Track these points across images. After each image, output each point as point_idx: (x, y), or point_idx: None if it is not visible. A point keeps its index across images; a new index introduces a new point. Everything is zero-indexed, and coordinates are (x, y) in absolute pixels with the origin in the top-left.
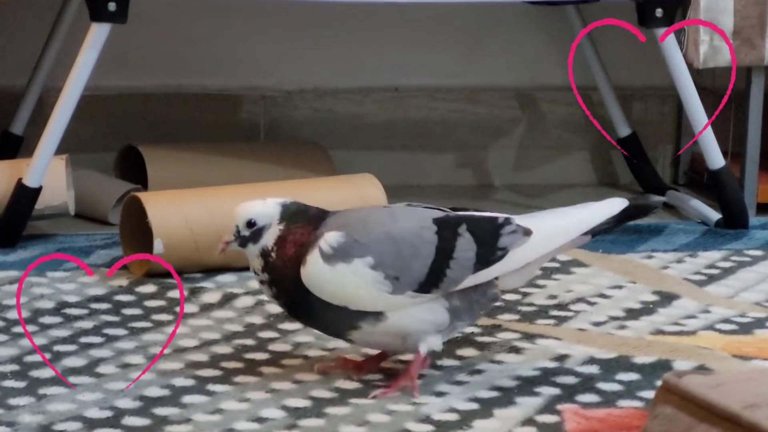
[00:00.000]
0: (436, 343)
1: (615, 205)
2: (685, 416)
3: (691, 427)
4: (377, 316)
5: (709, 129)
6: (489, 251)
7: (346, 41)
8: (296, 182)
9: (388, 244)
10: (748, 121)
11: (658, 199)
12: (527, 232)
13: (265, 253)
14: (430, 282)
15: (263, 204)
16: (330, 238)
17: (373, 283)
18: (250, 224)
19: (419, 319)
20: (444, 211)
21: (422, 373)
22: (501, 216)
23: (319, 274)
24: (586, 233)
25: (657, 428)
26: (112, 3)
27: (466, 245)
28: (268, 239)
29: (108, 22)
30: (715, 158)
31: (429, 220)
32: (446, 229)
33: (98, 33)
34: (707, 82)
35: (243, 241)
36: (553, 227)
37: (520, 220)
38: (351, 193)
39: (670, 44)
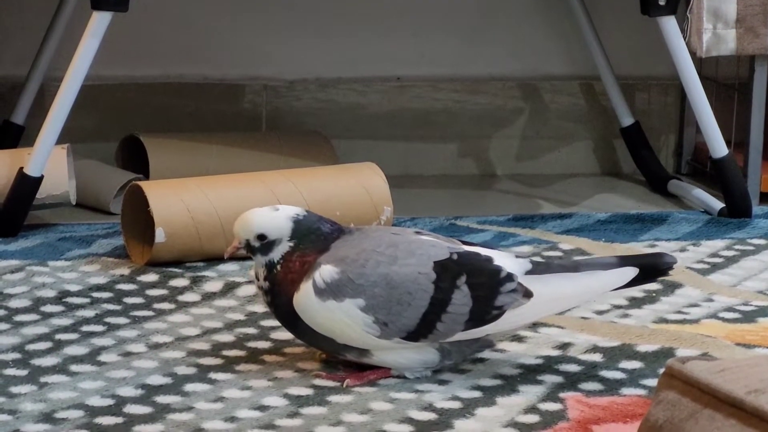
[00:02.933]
0: (419, 371)
1: (626, 274)
2: (689, 401)
3: (695, 412)
4: (363, 351)
5: (712, 117)
6: (484, 310)
7: (347, 30)
8: (299, 171)
9: (383, 288)
10: (751, 109)
11: (669, 259)
12: (527, 294)
13: (270, 265)
14: (419, 332)
15: (275, 217)
16: (325, 272)
17: (362, 325)
18: (261, 237)
19: (406, 357)
20: (452, 245)
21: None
22: (505, 270)
23: (310, 305)
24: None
25: (660, 414)
26: None
27: (461, 299)
28: (276, 254)
29: (109, 10)
30: (719, 147)
31: (430, 264)
32: (445, 279)
33: (99, 21)
34: (710, 71)
35: (252, 251)
36: (557, 293)
37: (525, 278)
38: (353, 182)
39: (672, 33)
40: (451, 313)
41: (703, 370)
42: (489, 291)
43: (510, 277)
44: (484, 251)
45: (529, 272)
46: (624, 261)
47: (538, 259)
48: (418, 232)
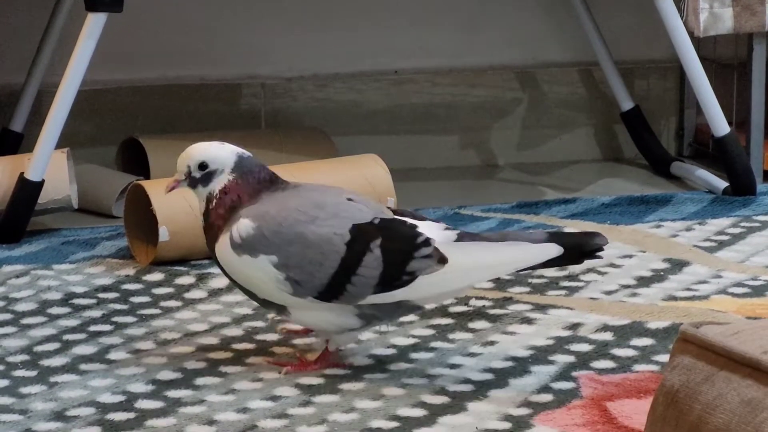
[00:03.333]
0: (345, 341)
1: (548, 251)
2: (704, 365)
3: (711, 374)
4: (282, 308)
5: (713, 96)
6: (395, 274)
7: (343, 26)
8: (300, 164)
9: (297, 246)
10: (751, 88)
11: (600, 240)
12: (442, 260)
13: (209, 199)
14: (330, 293)
15: (220, 148)
16: (242, 227)
17: (275, 282)
18: (202, 166)
19: (323, 319)
20: (383, 213)
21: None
22: (423, 235)
23: (227, 258)
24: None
25: (676, 378)
26: None
27: (372, 263)
28: (216, 185)
29: (104, 11)
30: (721, 125)
31: (348, 226)
32: (359, 242)
33: (95, 23)
34: (708, 52)
35: (193, 182)
36: (474, 262)
37: (445, 245)
38: (355, 173)
39: (670, 13)
40: (361, 276)
41: (717, 333)
42: (402, 256)
43: (426, 242)
44: (412, 220)
45: (456, 242)
46: (552, 238)
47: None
48: (350, 199)
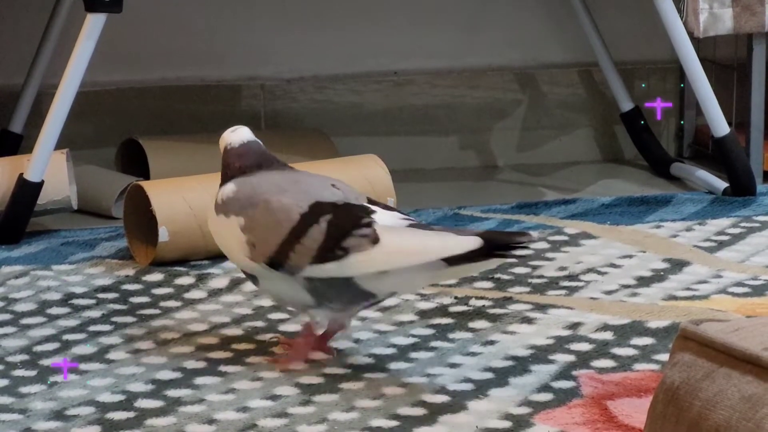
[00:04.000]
0: (318, 319)
1: (468, 243)
2: (705, 361)
3: (711, 371)
4: (254, 278)
5: (713, 96)
6: (330, 248)
7: (342, 27)
8: (300, 165)
9: (260, 211)
10: (750, 88)
11: (523, 238)
12: (375, 241)
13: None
14: (277, 260)
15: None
16: (226, 190)
17: (237, 242)
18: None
19: (282, 291)
20: (356, 200)
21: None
22: (369, 218)
23: (210, 219)
24: (442, 261)
25: (676, 375)
26: None
27: (315, 235)
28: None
29: (103, 12)
30: (720, 126)
31: (311, 200)
32: (312, 215)
33: (94, 23)
34: (708, 53)
35: None
36: (400, 246)
37: (384, 229)
38: (355, 174)
39: (669, 14)
40: (303, 245)
41: (717, 330)
42: (341, 231)
43: (368, 224)
44: (377, 207)
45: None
46: (476, 233)
47: None
48: (333, 185)
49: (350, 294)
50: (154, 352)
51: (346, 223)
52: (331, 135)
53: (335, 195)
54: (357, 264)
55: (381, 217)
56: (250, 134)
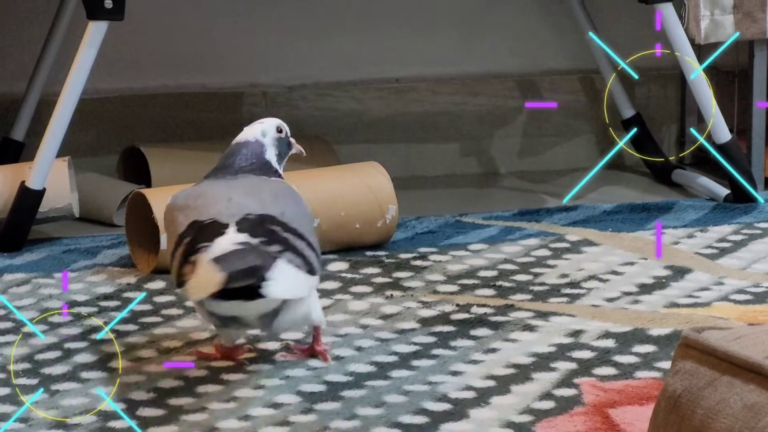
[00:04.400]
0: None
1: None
2: (707, 370)
3: (714, 379)
4: None
5: (715, 103)
6: (179, 272)
7: (344, 34)
8: (302, 172)
9: (183, 215)
10: (752, 94)
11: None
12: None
13: None
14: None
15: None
16: (182, 190)
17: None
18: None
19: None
20: (237, 216)
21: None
22: (204, 243)
23: None
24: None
25: (678, 383)
26: (108, 0)
27: (177, 257)
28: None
29: (105, 19)
30: (722, 132)
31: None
32: (187, 233)
33: (96, 31)
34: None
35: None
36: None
37: (205, 255)
38: (356, 181)
39: (670, 20)
40: (173, 267)
41: (719, 338)
42: (185, 256)
43: (198, 250)
44: (234, 231)
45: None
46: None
47: None
48: (230, 198)
49: (210, 316)
50: (155, 360)
51: (189, 248)
52: (333, 142)
53: (221, 214)
54: (186, 291)
55: (222, 241)
56: (257, 132)
